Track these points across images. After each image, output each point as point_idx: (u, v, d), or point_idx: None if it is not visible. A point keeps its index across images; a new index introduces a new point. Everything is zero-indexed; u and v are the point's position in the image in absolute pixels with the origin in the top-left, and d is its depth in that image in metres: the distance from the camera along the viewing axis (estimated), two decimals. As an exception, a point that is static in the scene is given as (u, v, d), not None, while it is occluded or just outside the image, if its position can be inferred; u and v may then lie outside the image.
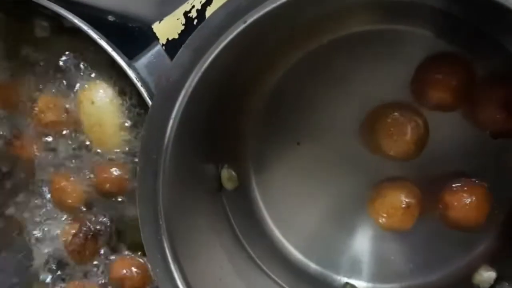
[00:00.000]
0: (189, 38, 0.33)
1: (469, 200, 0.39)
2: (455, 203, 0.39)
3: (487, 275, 0.40)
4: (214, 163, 0.43)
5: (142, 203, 0.36)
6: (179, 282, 0.36)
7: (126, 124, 0.44)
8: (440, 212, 0.40)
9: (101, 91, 0.44)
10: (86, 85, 0.45)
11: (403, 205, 0.40)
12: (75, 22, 0.40)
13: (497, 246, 0.41)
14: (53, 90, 0.46)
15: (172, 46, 0.40)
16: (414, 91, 0.40)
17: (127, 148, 0.44)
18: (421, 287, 0.43)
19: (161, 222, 0.36)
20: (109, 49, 0.40)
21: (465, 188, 0.39)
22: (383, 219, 0.41)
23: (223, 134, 0.43)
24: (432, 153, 0.40)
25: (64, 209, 0.47)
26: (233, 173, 0.44)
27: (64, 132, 0.45)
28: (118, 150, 0.44)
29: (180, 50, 0.33)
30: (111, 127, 0.43)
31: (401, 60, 0.40)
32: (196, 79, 0.34)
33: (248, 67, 0.40)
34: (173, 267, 0.36)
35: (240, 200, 0.45)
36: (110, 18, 0.47)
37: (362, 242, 0.45)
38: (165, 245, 0.36)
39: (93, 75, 0.45)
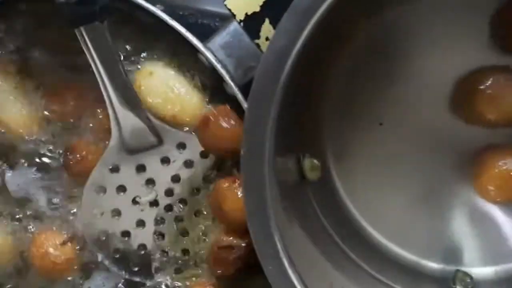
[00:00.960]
0: (293, 2, 0.30)
1: None
2: None
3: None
4: (296, 153, 0.40)
5: (249, 192, 0.32)
6: (294, 280, 0.32)
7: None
8: None
9: (160, 64, 0.40)
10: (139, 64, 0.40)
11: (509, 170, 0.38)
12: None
13: None
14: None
15: (252, 22, 0.36)
16: (496, 37, 0.38)
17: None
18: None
19: (269, 214, 0.32)
20: (182, 30, 0.36)
21: None
22: (494, 193, 0.38)
23: (304, 121, 0.40)
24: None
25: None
26: (316, 162, 0.40)
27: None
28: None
29: (285, 14, 0.30)
30: (187, 90, 0.39)
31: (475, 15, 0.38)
32: (302, 47, 0.31)
33: (330, 39, 0.37)
34: (286, 262, 0.32)
35: (324, 190, 0.42)
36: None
37: (460, 225, 0.41)
38: (276, 238, 0.32)
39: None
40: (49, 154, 0.42)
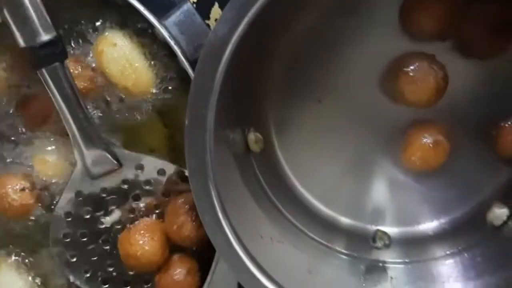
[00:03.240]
0: (227, 6, 0.34)
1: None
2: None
3: (500, 212, 0.44)
4: (241, 127, 0.45)
5: (192, 155, 0.37)
6: (226, 229, 0.38)
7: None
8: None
9: (121, 34, 0.43)
10: (102, 34, 0.43)
11: (431, 145, 0.43)
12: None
13: (509, 184, 0.45)
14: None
15: (203, 4, 0.40)
16: (403, 22, 0.43)
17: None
18: (440, 227, 0.46)
19: (209, 173, 0.37)
20: (140, 7, 0.40)
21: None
22: (417, 163, 0.44)
23: (248, 98, 0.44)
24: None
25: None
26: (259, 136, 0.45)
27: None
28: (155, 91, 0.44)
29: (227, 6, 0.34)
30: (143, 66, 0.43)
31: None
32: (241, 34, 0.35)
33: (274, 28, 0.42)
34: (221, 215, 0.38)
35: (266, 161, 0.47)
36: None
37: (383, 191, 0.47)
38: (213, 194, 0.37)
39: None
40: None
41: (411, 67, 0.42)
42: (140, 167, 0.44)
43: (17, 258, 0.47)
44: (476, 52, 0.43)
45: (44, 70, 0.38)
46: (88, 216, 0.44)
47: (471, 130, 0.45)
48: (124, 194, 0.44)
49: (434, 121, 0.44)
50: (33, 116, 0.45)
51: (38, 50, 0.37)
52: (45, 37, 0.37)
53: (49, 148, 0.46)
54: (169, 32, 0.40)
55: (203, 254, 0.43)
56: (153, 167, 0.43)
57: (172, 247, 0.43)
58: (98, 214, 0.44)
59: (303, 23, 0.43)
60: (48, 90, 0.39)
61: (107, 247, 0.45)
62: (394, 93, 0.44)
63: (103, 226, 0.44)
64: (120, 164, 0.43)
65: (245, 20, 0.35)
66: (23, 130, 0.46)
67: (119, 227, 0.44)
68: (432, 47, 0.43)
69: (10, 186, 0.44)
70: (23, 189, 0.44)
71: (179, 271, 0.42)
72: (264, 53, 0.43)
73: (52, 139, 0.46)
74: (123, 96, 0.45)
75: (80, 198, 0.44)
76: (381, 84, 0.45)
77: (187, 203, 0.41)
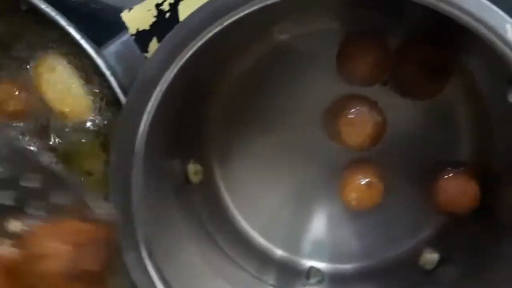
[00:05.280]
0: (167, 36, 0.34)
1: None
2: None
3: (431, 257, 0.44)
4: (181, 158, 0.44)
5: (116, 194, 0.36)
6: (151, 270, 0.37)
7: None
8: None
9: (61, 58, 0.42)
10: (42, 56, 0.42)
11: (366, 186, 0.43)
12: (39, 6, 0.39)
13: (441, 229, 0.45)
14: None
15: (142, 37, 0.40)
16: (338, 69, 0.43)
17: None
18: (373, 267, 0.47)
19: (134, 211, 0.37)
20: (77, 36, 0.39)
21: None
22: (353, 202, 0.44)
23: (188, 130, 0.44)
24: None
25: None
26: (199, 167, 0.45)
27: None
28: (93, 117, 0.43)
29: (158, 46, 0.34)
30: (81, 92, 0.42)
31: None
32: (172, 76, 0.35)
33: (212, 67, 0.42)
34: (145, 254, 0.37)
35: (207, 191, 0.47)
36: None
37: (320, 226, 0.47)
38: (138, 233, 0.37)
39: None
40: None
41: (352, 110, 0.42)
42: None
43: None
44: (412, 93, 0.43)
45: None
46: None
47: (407, 173, 0.45)
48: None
49: (370, 162, 0.45)
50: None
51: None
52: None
53: None
54: (106, 61, 0.40)
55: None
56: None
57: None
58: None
59: (241, 66, 0.43)
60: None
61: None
62: (333, 132, 0.44)
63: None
64: None
65: (175, 64, 0.34)
66: None
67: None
68: (372, 88, 0.43)
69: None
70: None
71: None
72: (201, 92, 0.43)
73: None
74: (61, 120, 0.44)
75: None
76: (323, 123, 0.45)
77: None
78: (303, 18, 0.41)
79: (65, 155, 0.45)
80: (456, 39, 0.35)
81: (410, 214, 0.46)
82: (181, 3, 0.38)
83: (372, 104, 0.43)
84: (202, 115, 0.45)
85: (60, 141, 0.45)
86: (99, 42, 0.41)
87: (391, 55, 0.42)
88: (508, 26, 0.30)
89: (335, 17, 0.41)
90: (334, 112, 0.44)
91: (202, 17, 0.33)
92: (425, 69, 0.41)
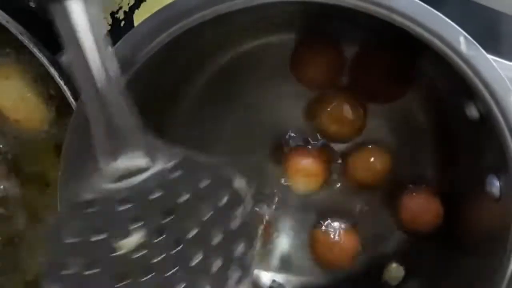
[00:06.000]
0: (118, 44, 0.33)
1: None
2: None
3: (396, 272, 0.44)
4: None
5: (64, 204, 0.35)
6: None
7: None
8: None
9: (16, 66, 0.41)
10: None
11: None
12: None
13: (406, 245, 0.44)
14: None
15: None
16: (292, 72, 0.43)
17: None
18: (336, 280, 0.46)
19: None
20: (29, 44, 0.38)
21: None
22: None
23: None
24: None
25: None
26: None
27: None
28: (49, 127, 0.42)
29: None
30: (36, 102, 0.41)
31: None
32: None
33: (166, 79, 0.40)
34: None
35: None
36: (32, 4, 0.45)
37: (284, 239, 0.47)
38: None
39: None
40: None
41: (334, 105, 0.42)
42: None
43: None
44: (371, 97, 0.43)
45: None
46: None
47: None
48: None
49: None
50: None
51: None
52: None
53: None
54: (60, 70, 0.39)
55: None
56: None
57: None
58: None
59: (201, 77, 0.43)
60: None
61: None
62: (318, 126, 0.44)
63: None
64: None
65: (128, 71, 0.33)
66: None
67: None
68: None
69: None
70: None
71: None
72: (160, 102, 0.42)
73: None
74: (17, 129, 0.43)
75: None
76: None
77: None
78: (259, 30, 0.40)
79: (25, 165, 0.44)
80: (415, 47, 0.35)
81: (378, 226, 0.45)
82: (136, 11, 0.37)
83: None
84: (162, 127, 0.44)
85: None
86: (57, 49, 0.39)
87: (343, 58, 0.42)
88: (461, 38, 0.29)
89: (292, 28, 0.41)
90: (315, 109, 0.44)
91: (153, 26, 0.32)
92: (384, 74, 0.41)
